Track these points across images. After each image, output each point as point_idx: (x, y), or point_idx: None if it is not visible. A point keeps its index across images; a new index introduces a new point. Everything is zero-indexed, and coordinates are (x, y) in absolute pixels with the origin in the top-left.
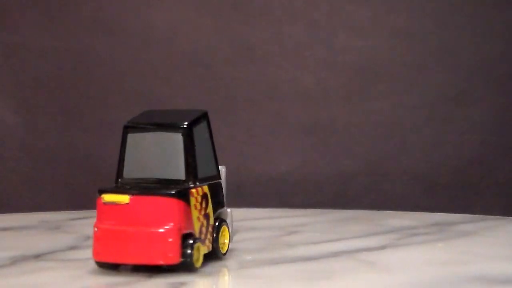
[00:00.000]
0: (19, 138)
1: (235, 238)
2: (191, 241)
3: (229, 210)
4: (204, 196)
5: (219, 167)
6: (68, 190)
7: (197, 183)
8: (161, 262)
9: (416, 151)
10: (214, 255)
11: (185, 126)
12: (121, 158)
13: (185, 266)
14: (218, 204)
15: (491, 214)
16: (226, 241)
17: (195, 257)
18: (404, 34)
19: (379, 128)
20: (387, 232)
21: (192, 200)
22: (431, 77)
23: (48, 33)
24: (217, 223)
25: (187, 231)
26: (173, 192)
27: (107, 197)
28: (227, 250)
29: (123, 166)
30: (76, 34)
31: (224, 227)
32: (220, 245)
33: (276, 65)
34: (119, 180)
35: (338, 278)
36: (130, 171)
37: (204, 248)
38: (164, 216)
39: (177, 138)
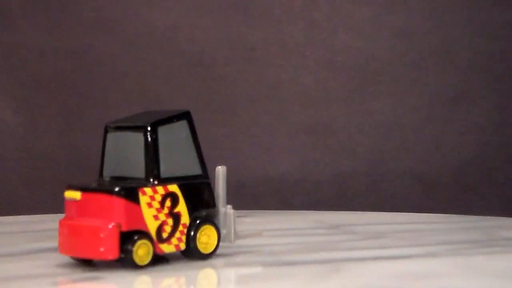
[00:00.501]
0: (19, 138)
1: (274, 240)
2: (135, 238)
3: (230, 210)
4: (170, 195)
5: (219, 167)
6: None
7: (156, 182)
8: (97, 257)
9: (416, 151)
10: (197, 255)
11: (146, 126)
12: (101, 157)
13: (127, 262)
14: (199, 203)
15: (491, 215)
16: (212, 241)
17: (138, 254)
18: (404, 34)
19: (379, 128)
20: (470, 241)
21: (144, 198)
22: (431, 77)
23: (48, 33)
24: (197, 222)
25: (133, 229)
26: (115, 189)
27: (67, 194)
28: (213, 251)
29: (102, 164)
30: (76, 34)
31: (206, 227)
32: (201, 245)
33: (276, 65)
34: (99, 178)
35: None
36: (108, 170)
37: (169, 247)
38: (105, 212)
39: (140, 138)
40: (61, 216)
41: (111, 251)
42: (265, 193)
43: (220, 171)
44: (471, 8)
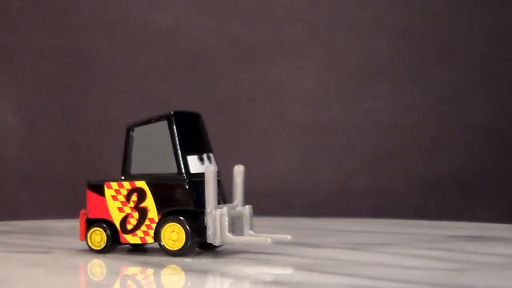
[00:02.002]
0: (19, 138)
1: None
2: (92, 226)
3: (218, 212)
4: (136, 190)
5: (208, 167)
6: (68, 190)
7: (122, 177)
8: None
9: (416, 151)
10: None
11: (127, 126)
12: None
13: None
14: (169, 201)
15: (491, 215)
16: (181, 238)
17: (91, 239)
18: (404, 34)
19: (379, 128)
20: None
21: (109, 192)
22: (431, 77)
23: (48, 33)
24: (163, 219)
25: (98, 217)
26: (88, 182)
27: None
28: (181, 249)
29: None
30: (76, 34)
31: (173, 225)
32: (168, 242)
33: (276, 65)
34: None
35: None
36: None
37: (134, 239)
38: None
39: None
40: None
41: (81, 235)
42: (265, 193)
43: (209, 172)
44: (471, 8)
